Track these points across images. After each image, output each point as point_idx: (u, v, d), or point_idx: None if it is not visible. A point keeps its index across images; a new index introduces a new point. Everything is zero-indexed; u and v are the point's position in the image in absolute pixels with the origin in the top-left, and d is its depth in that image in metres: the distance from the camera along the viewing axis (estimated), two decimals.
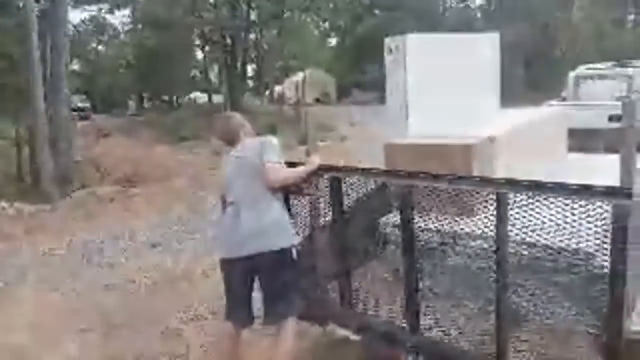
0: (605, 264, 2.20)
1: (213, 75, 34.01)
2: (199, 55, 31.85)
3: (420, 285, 2.48)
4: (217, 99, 28.46)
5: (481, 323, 2.41)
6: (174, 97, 31.41)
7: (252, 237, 2.47)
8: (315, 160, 2.68)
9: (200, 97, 32.18)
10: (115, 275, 4.48)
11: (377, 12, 34.06)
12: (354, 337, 2.62)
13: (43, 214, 6.93)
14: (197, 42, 28.34)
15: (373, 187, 2.78)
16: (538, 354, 2.15)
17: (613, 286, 1.84)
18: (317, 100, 29.82)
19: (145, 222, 6.22)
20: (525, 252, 2.38)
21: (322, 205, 2.74)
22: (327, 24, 34.72)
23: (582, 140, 4.66)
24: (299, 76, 26.16)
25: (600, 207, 1.86)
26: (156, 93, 30.16)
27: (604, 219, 1.86)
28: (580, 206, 1.98)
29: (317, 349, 3.03)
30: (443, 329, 2.47)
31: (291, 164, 2.75)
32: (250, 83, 34.25)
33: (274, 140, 2.71)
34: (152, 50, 23.21)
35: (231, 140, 2.81)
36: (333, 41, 38.37)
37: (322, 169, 2.66)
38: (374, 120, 14.88)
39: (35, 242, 5.54)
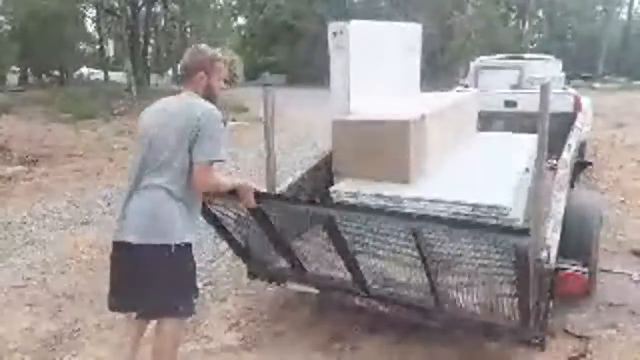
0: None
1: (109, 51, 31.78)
2: (90, 27, 29.51)
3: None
4: (115, 76, 26.68)
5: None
6: (64, 73, 28.78)
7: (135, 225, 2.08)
8: (251, 185, 2.38)
9: (95, 73, 29.88)
10: (53, 253, 4.34)
11: None
12: (313, 290, 2.91)
13: None
14: (91, 13, 26.24)
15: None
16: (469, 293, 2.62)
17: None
18: (225, 81, 29.27)
19: (65, 200, 5.95)
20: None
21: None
22: (235, 3, 33.96)
23: (484, 121, 5.37)
24: None
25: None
26: (40, 67, 27.25)
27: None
28: None
29: (273, 308, 3.31)
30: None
31: None
32: (151, 60, 32.50)
33: (219, 119, 2.14)
34: (34, 19, 20.94)
35: (186, 75, 2.26)
36: (241, 21, 37.62)
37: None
38: (288, 102, 15.16)
39: None
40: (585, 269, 2.20)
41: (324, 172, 3.64)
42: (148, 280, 2.08)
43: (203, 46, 2.30)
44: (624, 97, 17.03)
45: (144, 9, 23.64)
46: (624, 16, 37.97)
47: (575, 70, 21.20)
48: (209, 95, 2.25)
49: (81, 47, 31.22)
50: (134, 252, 2.07)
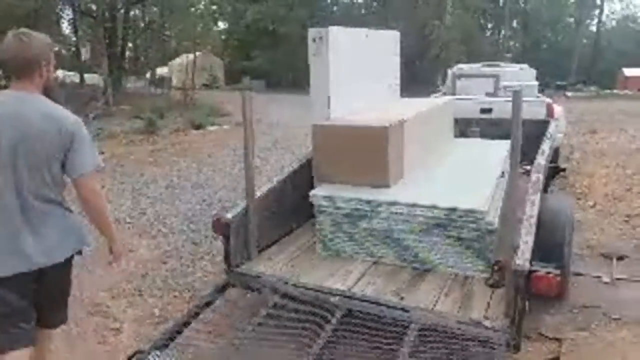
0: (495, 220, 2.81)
1: (85, 53, 31.12)
2: (66, 29, 28.88)
3: None
4: (90, 79, 26.16)
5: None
6: None
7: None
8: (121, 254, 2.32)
9: (70, 75, 29.26)
10: None
11: None
12: None
13: None
14: (67, 15, 25.73)
15: None
16: (445, 296, 2.66)
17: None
18: (205, 85, 29.08)
19: None
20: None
21: None
22: (215, 7, 33.78)
23: (461, 127, 5.47)
24: (184, 58, 25.23)
25: None
26: None
27: None
28: None
29: None
30: None
31: None
32: (129, 64, 32.05)
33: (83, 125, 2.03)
34: (7, 19, 20.40)
35: (20, 71, 1.92)
36: (222, 25, 37.48)
37: None
38: (268, 107, 15.15)
39: None
40: (559, 272, 2.25)
41: (304, 177, 3.65)
42: None
43: (33, 33, 1.96)
44: (595, 105, 17.56)
45: (122, 11, 23.32)
46: (593, 28, 39.22)
47: (549, 79, 21.77)
48: (47, 88, 2.02)
49: (56, 49, 30.56)
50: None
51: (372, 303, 2.59)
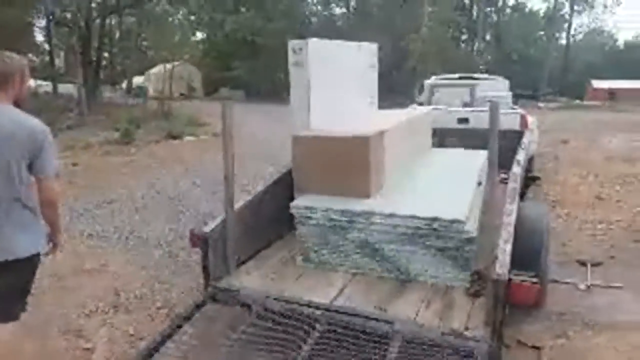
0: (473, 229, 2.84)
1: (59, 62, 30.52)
2: (40, 37, 28.30)
3: None
4: (64, 88, 25.67)
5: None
6: None
7: None
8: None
9: (44, 85, 28.63)
10: None
11: (242, 10, 34.12)
12: None
13: None
14: (41, 23, 25.23)
15: None
16: (427, 306, 2.67)
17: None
18: (183, 94, 28.86)
19: None
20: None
21: None
22: (193, 17, 33.68)
23: (438, 137, 5.54)
24: (161, 68, 25.04)
25: None
26: None
27: None
28: None
29: None
30: None
31: None
32: (105, 73, 31.57)
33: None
34: None
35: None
36: (200, 35, 37.33)
37: None
38: (248, 118, 15.09)
39: None
40: (537, 280, 2.28)
41: (284, 188, 3.63)
42: None
43: (14, 55, 2.29)
44: (566, 115, 18.08)
45: (97, 20, 23.02)
46: (563, 41, 40.55)
47: (521, 90, 22.32)
48: (19, 100, 2.27)
49: (30, 57, 29.89)
50: None
51: (354, 316, 2.57)
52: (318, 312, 2.62)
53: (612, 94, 29.80)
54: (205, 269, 2.97)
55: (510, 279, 2.24)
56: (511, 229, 2.59)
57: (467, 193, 3.27)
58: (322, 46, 3.76)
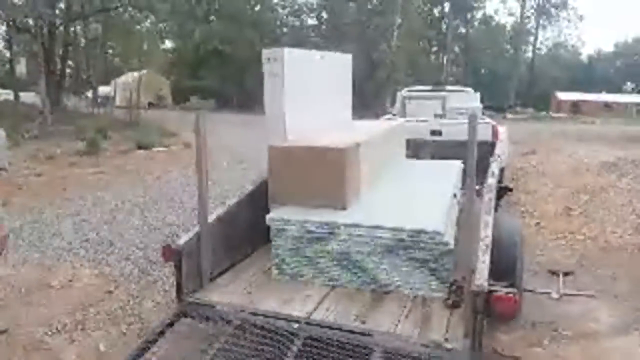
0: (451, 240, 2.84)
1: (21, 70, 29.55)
2: None
3: None
4: (26, 97, 24.85)
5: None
6: None
7: None
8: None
9: (4, 93, 27.60)
10: None
11: (212, 18, 33.92)
12: None
13: None
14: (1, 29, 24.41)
15: None
16: (406, 317, 2.64)
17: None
18: (151, 104, 28.34)
19: None
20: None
21: None
22: (162, 25, 33.23)
23: (412, 149, 5.58)
24: (129, 77, 24.55)
25: None
26: None
27: None
28: None
29: None
30: None
31: None
32: (69, 82, 30.70)
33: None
34: None
35: None
36: (169, 44, 36.86)
37: None
38: (217, 128, 14.90)
39: None
40: (516, 291, 2.29)
41: (259, 199, 3.57)
42: None
43: None
44: (533, 126, 18.61)
45: (61, 27, 22.40)
46: (529, 54, 41.94)
47: (489, 102, 22.89)
48: None
49: None
50: None
51: (334, 329, 2.52)
52: (296, 326, 2.57)
53: (575, 106, 30.96)
54: (178, 283, 2.87)
55: (490, 291, 2.24)
56: (489, 240, 2.60)
57: (443, 205, 3.28)
58: (297, 56, 3.73)
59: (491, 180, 3.45)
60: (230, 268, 3.32)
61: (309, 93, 3.86)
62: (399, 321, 2.60)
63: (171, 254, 2.85)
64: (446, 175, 4.12)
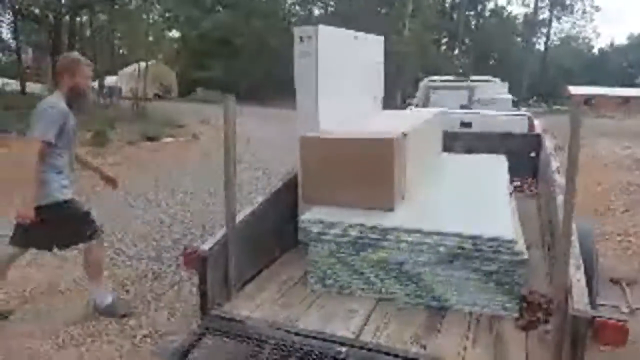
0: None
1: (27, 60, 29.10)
2: (6, 34, 26.94)
3: None
4: (33, 88, 24.45)
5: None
6: None
7: None
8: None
9: (11, 84, 27.21)
10: None
11: (220, 9, 33.34)
12: None
13: None
14: (8, 19, 23.94)
15: None
16: (473, 342, 2.22)
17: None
18: (157, 95, 27.90)
19: None
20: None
21: None
22: (168, 15, 32.71)
23: (445, 140, 5.13)
24: (135, 67, 24.10)
25: None
26: None
27: None
28: None
29: None
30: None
31: None
32: None
33: (47, 110, 2.92)
34: None
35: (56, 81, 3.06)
36: (176, 34, 36.31)
37: None
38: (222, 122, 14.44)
39: None
40: (625, 316, 1.87)
41: (288, 197, 3.15)
42: None
43: (67, 53, 2.85)
44: (551, 120, 18.00)
45: (67, 17, 21.95)
46: (540, 47, 41.18)
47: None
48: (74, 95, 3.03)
49: None
50: None
51: (389, 355, 2.11)
52: (344, 350, 2.16)
53: (587, 100, 30.24)
54: (203, 295, 2.47)
55: (594, 317, 1.81)
56: (577, 251, 2.17)
57: (504, 206, 2.84)
58: (333, 34, 3.29)
59: (558, 178, 2.99)
60: (257, 275, 2.91)
61: (343, 78, 3.43)
62: (465, 346, 2.18)
63: (195, 261, 2.45)
64: (495, 171, 3.67)
